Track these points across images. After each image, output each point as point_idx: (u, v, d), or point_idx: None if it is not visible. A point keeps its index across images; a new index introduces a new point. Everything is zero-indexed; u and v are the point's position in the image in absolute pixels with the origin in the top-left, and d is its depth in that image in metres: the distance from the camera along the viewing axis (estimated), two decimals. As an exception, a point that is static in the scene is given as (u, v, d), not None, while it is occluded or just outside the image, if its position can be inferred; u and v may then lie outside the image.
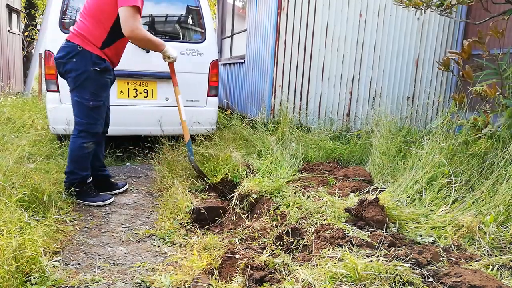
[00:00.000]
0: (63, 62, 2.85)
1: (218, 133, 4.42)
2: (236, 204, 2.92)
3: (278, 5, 4.73)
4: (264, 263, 1.99)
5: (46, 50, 3.93)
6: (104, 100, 2.95)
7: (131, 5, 2.70)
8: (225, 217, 2.88)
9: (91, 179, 3.06)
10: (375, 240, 2.01)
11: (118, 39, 2.91)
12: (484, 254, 1.98)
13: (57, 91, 3.94)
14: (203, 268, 2.00)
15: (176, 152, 3.74)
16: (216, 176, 3.28)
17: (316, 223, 2.28)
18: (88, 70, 2.81)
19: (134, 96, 4.11)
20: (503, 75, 2.97)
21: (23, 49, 13.47)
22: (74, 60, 2.80)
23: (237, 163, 3.37)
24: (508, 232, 2.12)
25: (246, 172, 3.28)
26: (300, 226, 2.30)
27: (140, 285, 1.91)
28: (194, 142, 3.98)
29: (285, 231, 2.26)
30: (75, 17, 4.16)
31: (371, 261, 1.76)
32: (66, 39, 2.88)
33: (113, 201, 3.07)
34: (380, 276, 1.67)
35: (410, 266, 1.76)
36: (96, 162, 3.15)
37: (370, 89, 5.17)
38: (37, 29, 12.99)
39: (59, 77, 3.86)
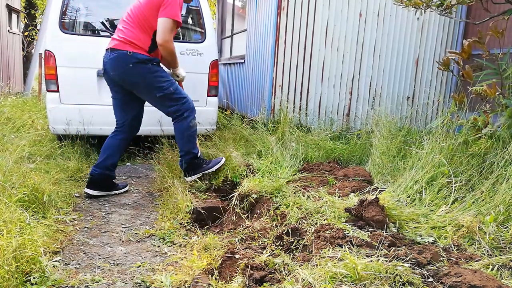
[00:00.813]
0: (119, 74, 2.98)
1: (218, 133, 4.42)
2: (236, 204, 2.92)
3: (278, 5, 4.73)
4: (264, 263, 1.98)
5: (46, 50, 3.93)
6: (174, 80, 3.13)
7: (173, 19, 2.93)
8: (225, 217, 2.88)
9: (200, 153, 3.23)
10: (375, 240, 2.01)
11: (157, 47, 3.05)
12: (484, 254, 1.98)
13: (57, 91, 3.94)
14: (203, 268, 2.00)
15: (176, 152, 3.74)
16: (217, 178, 3.28)
17: (316, 223, 2.28)
18: (149, 66, 2.96)
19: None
20: (503, 75, 2.97)
21: (23, 49, 13.47)
22: (131, 65, 2.93)
23: (237, 163, 3.37)
24: (508, 232, 2.12)
25: (246, 172, 3.28)
26: (300, 226, 2.30)
27: (140, 285, 1.91)
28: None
29: (285, 231, 2.26)
30: (75, 17, 4.17)
31: (371, 261, 1.76)
32: (111, 48, 2.98)
33: (224, 161, 3.27)
34: (380, 276, 1.67)
35: (410, 266, 1.76)
36: (109, 161, 3.16)
37: (370, 89, 5.17)
38: (37, 29, 12.98)
39: (59, 77, 3.90)
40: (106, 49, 3.05)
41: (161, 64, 3.18)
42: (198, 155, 3.19)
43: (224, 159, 3.27)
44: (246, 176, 3.21)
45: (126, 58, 2.94)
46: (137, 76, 2.99)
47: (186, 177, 3.20)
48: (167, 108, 3.11)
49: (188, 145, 3.13)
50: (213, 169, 3.20)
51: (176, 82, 3.17)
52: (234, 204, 2.90)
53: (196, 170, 3.17)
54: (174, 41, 4.37)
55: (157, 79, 3.01)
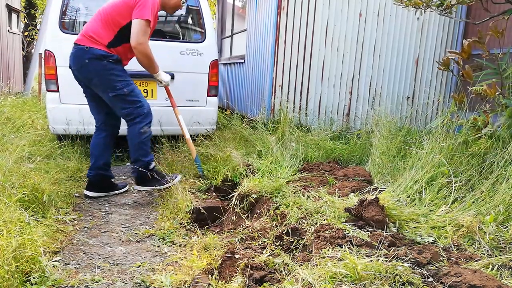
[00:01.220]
0: (78, 69, 2.94)
1: (218, 133, 4.42)
2: (236, 204, 2.92)
3: (278, 5, 4.73)
4: (264, 263, 1.98)
5: (46, 50, 3.92)
6: (132, 82, 3.01)
7: (145, 19, 2.86)
8: (225, 217, 2.88)
9: (153, 164, 3.11)
10: (375, 240, 2.01)
11: (124, 43, 2.98)
12: (484, 254, 1.98)
13: (57, 91, 3.94)
14: (203, 268, 2.00)
15: (176, 151, 3.74)
16: (216, 177, 3.28)
17: (316, 223, 2.28)
18: (102, 63, 2.88)
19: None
20: (503, 75, 2.97)
21: (23, 49, 13.47)
22: (87, 61, 2.88)
23: (237, 163, 3.37)
24: (508, 232, 2.12)
25: (246, 172, 3.28)
26: (300, 226, 2.30)
27: (140, 285, 1.91)
28: (194, 142, 3.99)
29: (285, 231, 2.26)
30: (75, 17, 4.16)
31: (371, 261, 1.76)
32: (74, 43, 2.95)
33: (180, 179, 3.13)
34: (380, 276, 1.67)
35: (410, 266, 1.76)
36: (100, 161, 3.15)
37: (370, 88, 5.17)
38: (37, 29, 12.98)
39: (59, 77, 3.90)
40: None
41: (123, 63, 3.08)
42: (151, 166, 3.07)
43: (179, 177, 3.14)
44: (246, 176, 3.21)
45: (82, 53, 2.88)
46: (92, 72, 2.90)
47: (137, 185, 3.14)
48: (120, 110, 3.00)
49: (138, 152, 3.01)
50: (165, 186, 3.07)
51: (133, 84, 3.00)
52: (234, 204, 2.90)
53: (147, 182, 3.08)
54: (174, 41, 4.42)
55: (111, 77, 2.90)
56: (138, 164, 3.03)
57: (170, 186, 3.05)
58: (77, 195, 3.18)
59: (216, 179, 3.26)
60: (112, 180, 3.31)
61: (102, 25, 2.91)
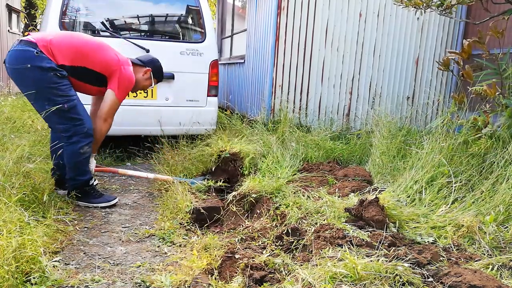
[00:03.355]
0: (14, 70, 2.71)
1: (218, 133, 4.42)
2: (236, 204, 2.92)
3: (278, 5, 4.73)
4: (264, 263, 1.98)
5: (46, 50, 3.92)
6: (76, 98, 2.80)
7: (119, 98, 2.90)
8: (225, 217, 2.88)
9: (93, 180, 3.01)
10: (375, 240, 2.01)
11: (73, 78, 2.82)
12: (484, 254, 1.98)
13: (57, 91, 3.93)
14: (203, 268, 2.00)
15: (176, 151, 3.74)
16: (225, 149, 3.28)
17: (316, 223, 2.28)
18: (48, 75, 2.66)
19: (134, 96, 4.10)
20: (503, 75, 2.97)
21: (23, 49, 13.45)
22: (29, 65, 2.64)
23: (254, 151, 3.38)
24: (508, 232, 2.12)
25: (250, 168, 3.29)
26: (300, 226, 2.30)
27: (140, 285, 1.91)
28: (193, 142, 3.99)
29: (285, 231, 2.26)
30: (75, 17, 4.16)
31: (371, 261, 1.76)
32: (22, 39, 2.72)
33: (117, 202, 3.03)
34: (380, 276, 1.67)
35: (410, 266, 1.76)
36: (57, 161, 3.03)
37: (370, 89, 5.17)
38: (37, 29, 12.98)
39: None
40: (18, 39, 2.77)
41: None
42: (91, 182, 2.94)
43: (116, 200, 3.02)
44: (249, 174, 3.22)
45: (29, 56, 2.62)
46: (30, 81, 2.66)
47: (68, 195, 2.93)
48: (55, 125, 2.81)
49: (76, 171, 2.85)
50: (101, 205, 2.93)
51: (76, 100, 2.78)
52: (234, 204, 2.91)
53: (83, 198, 2.92)
54: (174, 41, 4.42)
55: (52, 91, 2.67)
56: (72, 182, 2.87)
57: (104, 206, 2.93)
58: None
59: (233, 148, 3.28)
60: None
61: (69, 49, 2.75)
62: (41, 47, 2.65)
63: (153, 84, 3.20)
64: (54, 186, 3.01)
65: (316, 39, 4.90)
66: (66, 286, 1.85)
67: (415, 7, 3.53)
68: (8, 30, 11.40)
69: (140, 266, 2.10)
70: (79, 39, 2.88)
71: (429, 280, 1.71)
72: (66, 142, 2.81)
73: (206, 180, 3.31)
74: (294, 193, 2.81)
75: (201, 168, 3.57)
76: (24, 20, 13.75)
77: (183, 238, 2.45)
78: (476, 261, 1.90)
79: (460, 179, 2.63)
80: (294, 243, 2.18)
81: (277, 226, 2.46)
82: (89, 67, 2.83)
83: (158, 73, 3.21)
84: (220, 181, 3.28)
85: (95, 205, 2.94)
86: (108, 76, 2.90)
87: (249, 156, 3.34)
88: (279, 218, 2.53)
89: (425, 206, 2.52)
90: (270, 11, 4.89)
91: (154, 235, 2.50)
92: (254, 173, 3.25)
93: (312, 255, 1.97)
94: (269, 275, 1.89)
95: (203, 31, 4.34)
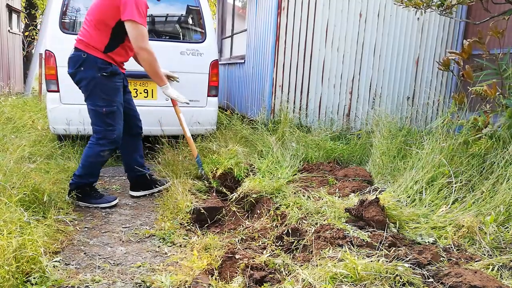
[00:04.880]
0: (74, 73, 2.88)
1: (218, 133, 4.42)
2: (236, 204, 2.92)
3: (278, 5, 4.73)
4: (264, 263, 1.98)
5: (46, 50, 3.93)
6: (117, 105, 2.90)
7: (134, 20, 2.73)
8: (226, 217, 2.88)
9: (96, 182, 3.03)
10: (375, 240, 2.01)
11: (121, 43, 2.91)
12: (484, 254, 1.98)
13: (57, 91, 3.94)
14: (203, 268, 2.00)
15: (176, 152, 3.74)
16: (218, 168, 3.27)
17: (316, 223, 2.28)
18: (96, 77, 2.80)
19: (134, 96, 4.09)
20: (503, 75, 2.97)
21: (23, 49, 13.48)
22: (82, 68, 2.82)
23: (241, 160, 3.37)
24: (508, 232, 2.12)
25: (248, 171, 3.29)
26: (300, 226, 2.30)
27: (140, 285, 1.91)
28: (194, 142, 3.98)
29: (285, 231, 2.26)
30: (75, 17, 4.17)
31: (371, 261, 1.76)
32: (74, 47, 2.89)
33: (117, 203, 3.04)
34: (380, 276, 1.67)
35: (410, 266, 1.76)
36: (133, 163, 3.14)
37: (370, 89, 5.17)
38: (37, 29, 12.99)
39: (59, 77, 3.91)
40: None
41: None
42: (94, 185, 3.00)
43: (116, 201, 3.02)
44: (247, 176, 3.21)
45: (79, 59, 2.81)
46: (83, 79, 2.83)
47: (68, 195, 2.92)
48: (91, 124, 2.93)
49: (88, 170, 2.89)
50: (101, 205, 2.94)
51: (116, 106, 2.87)
52: (234, 205, 2.91)
53: (83, 198, 2.93)
54: (174, 41, 4.42)
55: (97, 92, 2.81)
56: (79, 179, 2.89)
57: (104, 207, 2.95)
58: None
59: (218, 169, 3.26)
60: (152, 177, 3.29)
61: (95, 30, 2.82)
62: (84, 48, 2.80)
63: None
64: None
65: (316, 39, 4.90)
66: (67, 286, 1.85)
67: (415, 7, 3.52)
68: (9, 30, 11.40)
69: (140, 266, 2.10)
70: (89, 16, 2.87)
71: (429, 280, 1.71)
72: (93, 141, 2.89)
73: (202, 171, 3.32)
74: (295, 193, 2.81)
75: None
76: (25, 20, 13.75)
77: (184, 239, 2.45)
78: (476, 261, 1.90)
79: (460, 179, 2.63)
80: (294, 244, 2.18)
81: (277, 227, 2.46)
82: (112, 25, 2.79)
83: None
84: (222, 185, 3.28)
85: (95, 205, 2.95)
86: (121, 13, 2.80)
87: (241, 169, 3.34)
88: (279, 218, 2.53)
89: (425, 207, 2.52)
90: (270, 11, 4.89)
91: (154, 235, 2.50)
92: (253, 174, 3.25)
93: (313, 256, 1.97)
94: (269, 275, 1.89)
95: (203, 31, 4.34)
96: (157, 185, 3.29)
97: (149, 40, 2.95)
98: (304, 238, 2.16)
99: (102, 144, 2.87)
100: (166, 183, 3.29)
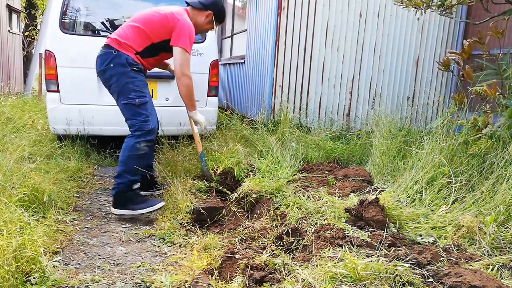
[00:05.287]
0: (103, 71, 2.86)
1: (218, 133, 4.42)
2: (236, 204, 2.92)
3: (278, 5, 4.73)
4: (264, 263, 1.98)
5: (46, 50, 3.93)
6: (148, 97, 2.90)
7: (184, 49, 2.88)
8: (225, 217, 2.88)
9: (138, 185, 2.86)
10: (375, 240, 2.01)
11: (153, 57, 3.01)
12: (484, 254, 1.98)
13: (57, 91, 3.94)
14: (203, 268, 2.00)
15: (177, 151, 3.74)
16: (218, 166, 3.27)
17: (316, 223, 2.28)
18: (126, 71, 2.81)
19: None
20: (503, 75, 2.97)
21: (23, 49, 13.48)
22: (112, 65, 2.81)
23: (241, 159, 3.37)
24: (508, 232, 2.12)
25: (248, 171, 3.29)
26: (300, 226, 2.30)
27: (140, 285, 1.91)
28: (193, 142, 3.98)
29: (285, 231, 2.26)
30: (76, 17, 4.17)
31: (371, 261, 1.76)
32: (103, 45, 2.88)
33: (163, 205, 2.82)
34: (380, 276, 1.67)
35: (410, 266, 1.76)
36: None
37: (370, 89, 5.17)
38: (37, 29, 12.99)
39: (59, 77, 3.91)
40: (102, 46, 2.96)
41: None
42: (135, 186, 2.81)
43: (162, 203, 2.82)
44: (247, 176, 3.21)
45: (109, 56, 2.81)
46: (113, 76, 2.82)
47: (113, 207, 2.79)
48: (126, 120, 2.86)
49: (125, 166, 2.76)
50: (146, 210, 2.75)
51: (148, 98, 2.88)
52: (234, 205, 2.91)
53: (127, 205, 2.76)
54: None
55: (128, 85, 2.80)
56: (121, 180, 2.75)
57: (151, 212, 2.78)
58: (77, 195, 3.17)
59: (218, 167, 3.26)
60: (154, 179, 3.28)
61: (135, 35, 2.86)
62: (116, 46, 2.81)
63: (214, 27, 3.21)
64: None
65: (316, 39, 4.90)
66: (66, 286, 1.85)
67: (415, 8, 3.53)
68: (9, 30, 11.40)
69: (140, 266, 2.10)
70: (135, 23, 2.91)
71: (429, 280, 1.71)
72: (130, 135, 2.83)
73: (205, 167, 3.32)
74: (294, 193, 2.81)
75: (200, 168, 3.56)
76: (25, 20, 13.75)
77: (183, 238, 2.45)
78: (476, 261, 1.90)
79: (460, 179, 2.63)
80: (294, 243, 2.18)
81: (277, 226, 2.46)
82: (156, 40, 2.91)
83: (219, 16, 3.18)
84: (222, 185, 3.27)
85: (139, 211, 2.76)
86: (171, 37, 2.92)
87: (241, 169, 3.34)
88: (279, 218, 2.53)
89: (425, 206, 2.52)
90: (270, 11, 4.89)
91: (154, 235, 2.50)
92: (253, 174, 3.25)
93: (312, 256, 1.97)
94: (269, 275, 1.89)
95: (203, 31, 4.34)
96: (156, 187, 3.27)
97: None
98: (304, 238, 2.16)
99: (138, 136, 2.78)
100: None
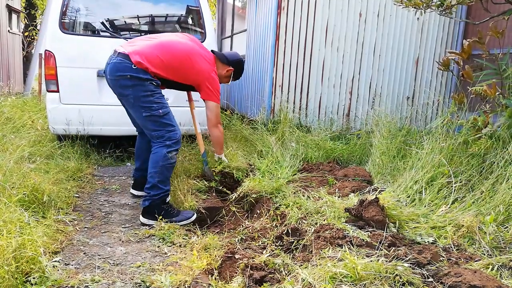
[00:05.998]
0: (115, 80, 2.80)
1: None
2: (236, 204, 2.92)
3: (278, 5, 4.73)
4: (264, 263, 1.98)
5: (46, 50, 3.93)
6: (168, 107, 2.85)
7: (217, 103, 3.09)
8: (225, 217, 2.88)
9: (169, 197, 2.87)
10: (375, 240, 2.01)
11: (170, 88, 3.09)
12: (484, 254, 1.98)
13: (57, 91, 3.94)
14: (203, 268, 2.00)
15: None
16: (217, 166, 3.28)
17: (316, 223, 2.28)
18: (145, 84, 2.75)
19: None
20: (503, 75, 2.97)
21: (23, 49, 13.47)
22: (129, 76, 2.73)
23: (241, 164, 3.38)
24: (508, 232, 2.12)
25: (248, 171, 3.29)
26: (300, 226, 2.30)
27: (140, 285, 1.91)
28: (193, 142, 3.99)
29: (285, 231, 2.26)
30: (75, 17, 4.16)
31: (371, 261, 1.76)
32: (120, 53, 2.79)
33: (196, 217, 2.76)
34: (380, 276, 1.67)
35: (410, 266, 1.76)
36: (146, 163, 3.04)
37: (370, 89, 5.17)
38: (37, 29, 12.98)
39: (59, 77, 3.91)
40: (115, 51, 2.86)
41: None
42: (167, 199, 2.81)
43: (195, 216, 2.76)
44: (247, 176, 3.21)
45: (127, 68, 2.73)
46: (130, 90, 2.76)
47: (143, 216, 2.73)
48: (150, 132, 2.82)
49: (159, 177, 2.71)
50: (184, 222, 2.70)
51: (169, 108, 2.85)
52: (234, 205, 2.91)
53: (159, 215, 2.69)
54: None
55: (149, 98, 2.75)
56: (155, 191, 2.70)
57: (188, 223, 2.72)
58: (77, 195, 3.18)
59: (216, 166, 3.27)
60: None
61: (159, 63, 2.81)
62: (135, 62, 2.73)
63: (229, 82, 3.39)
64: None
65: (316, 39, 4.90)
66: (66, 286, 1.85)
67: (415, 7, 3.52)
68: (8, 31, 11.40)
69: (140, 266, 2.10)
70: (168, 53, 2.87)
71: (429, 280, 1.71)
72: (158, 145, 2.77)
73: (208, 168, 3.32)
74: (294, 193, 2.81)
75: (201, 168, 3.56)
76: (24, 20, 13.74)
77: (183, 238, 2.45)
78: (476, 261, 1.90)
79: (460, 179, 2.63)
80: (294, 243, 2.18)
81: (277, 226, 2.46)
82: (180, 81, 3.00)
83: (238, 74, 3.36)
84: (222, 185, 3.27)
85: (179, 224, 2.69)
86: (196, 86, 3.07)
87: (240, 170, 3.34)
88: (279, 218, 2.53)
89: (425, 206, 2.52)
90: (270, 11, 4.89)
91: (154, 235, 2.50)
92: (253, 174, 3.25)
93: (312, 255, 1.98)
94: (269, 275, 1.89)
95: (203, 31, 4.34)
96: None
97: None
98: (304, 238, 2.16)
99: (168, 145, 2.74)
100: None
